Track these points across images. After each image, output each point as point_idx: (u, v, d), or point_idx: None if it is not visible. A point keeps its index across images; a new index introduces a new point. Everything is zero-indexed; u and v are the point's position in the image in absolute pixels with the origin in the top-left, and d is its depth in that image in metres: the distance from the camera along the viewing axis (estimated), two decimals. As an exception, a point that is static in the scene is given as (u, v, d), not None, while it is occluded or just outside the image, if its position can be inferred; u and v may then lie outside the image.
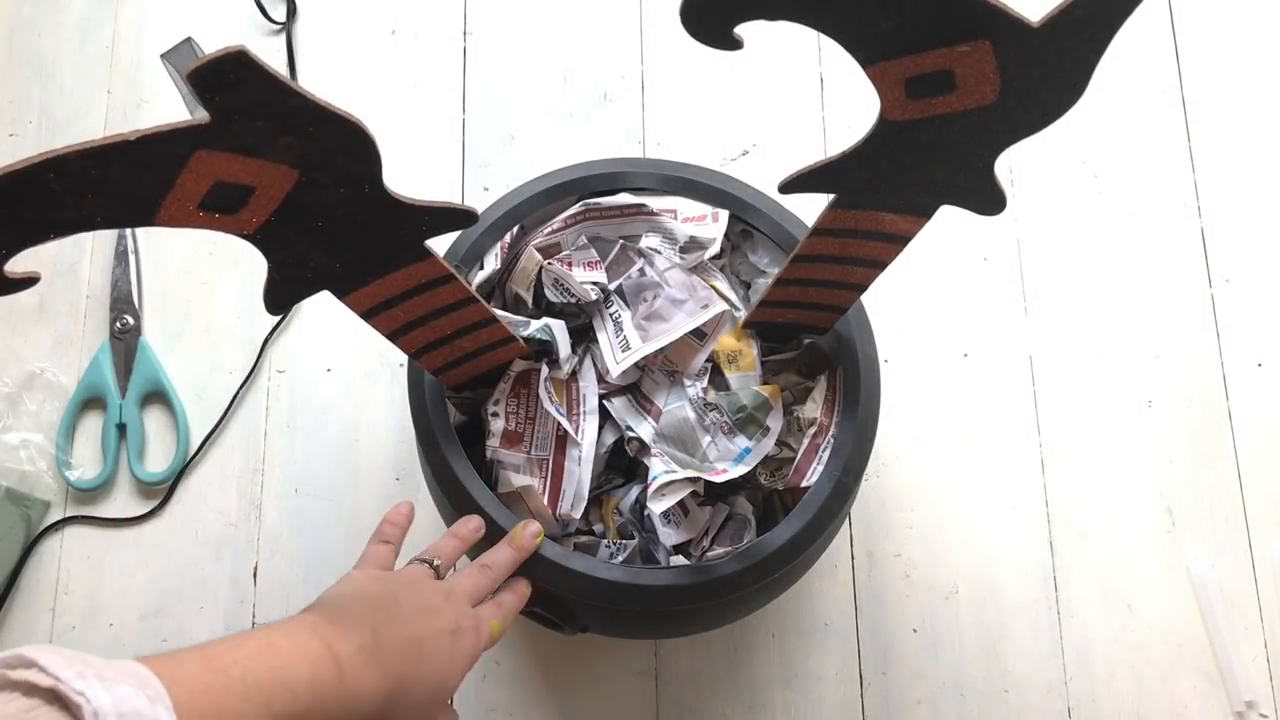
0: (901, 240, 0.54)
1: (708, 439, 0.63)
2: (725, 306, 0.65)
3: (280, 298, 0.50)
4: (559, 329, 0.63)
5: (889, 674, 0.77)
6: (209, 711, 0.37)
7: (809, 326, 0.65)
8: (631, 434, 0.64)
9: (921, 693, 0.77)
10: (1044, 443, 0.82)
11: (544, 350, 0.64)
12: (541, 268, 0.65)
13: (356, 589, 0.51)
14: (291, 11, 0.91)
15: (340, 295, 0.52)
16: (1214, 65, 0.90)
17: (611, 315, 0.65)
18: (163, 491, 0.81)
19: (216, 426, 0.82)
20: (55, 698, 0.32)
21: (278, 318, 0.84)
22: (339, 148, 0.43)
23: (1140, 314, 0.85)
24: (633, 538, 0.64)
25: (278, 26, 0.91)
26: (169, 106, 0.88)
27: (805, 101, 0.90)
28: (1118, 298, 0.85)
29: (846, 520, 0.78)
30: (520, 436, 0.63)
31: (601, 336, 0.65)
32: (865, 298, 0.62)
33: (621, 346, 0.64)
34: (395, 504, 0.61)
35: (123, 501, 0.81)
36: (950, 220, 0.54)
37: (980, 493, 0.81)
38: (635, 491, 0.65)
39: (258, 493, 0.81)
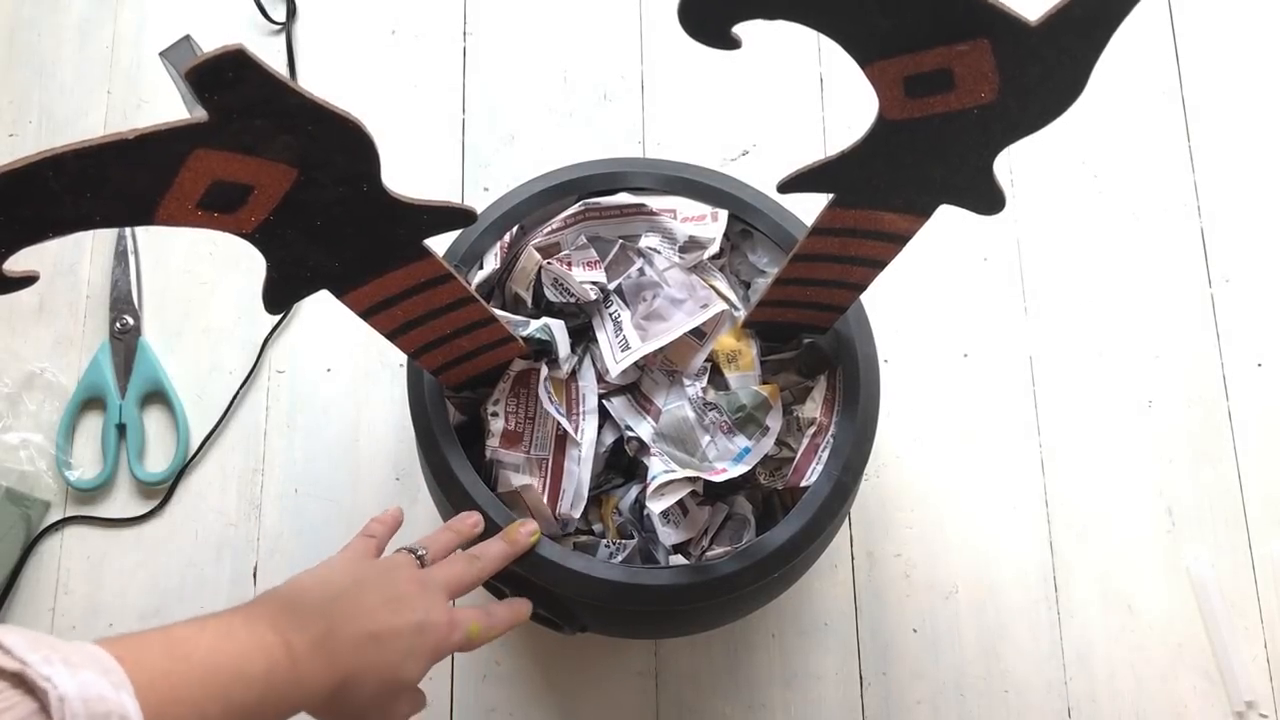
0: (900, 239, 0.54)
1: (707, 438, 0.63)
2: (724, 306, 0.65)
3: (279, 297, 0.50)
4: (558, 329, 0.63)
5: (889, 674, 0.77)
6: (168, 700, 0.37)
7: (808, 326, 0.65)
8: (631, 434, 0.64)
9: (921, 693, 0.77)
10: (1044, 443, 0.82)
11: (543, 350, 0.64)
12: (541, 267, 0.65)
13: (322, 577, 0.51)
14: (291, 11, 0.91)
15: (339, 294, 0.52)
16: (1214, 65, 0.90)
17: (611, 315, 0.65)
18: (163, 491, 0.81)
19: (216, 426, 0.82)
20: (20, 681, 0.33)
21: (278, 318, 0.85)
22: (338, 147, 0.43)
23: (1140, 314, 0.85)
24: (632, 537, 0.64)
25: (278, 26, 0.91)
26: (169, 106, 0.88)
27: (805, 101, 0.90)
28: (1118, 298, 0.85)
29: (846, 520, 0.78)
30: (520, 436, 0.63)
31: (601, 336, 0.65)
32: (865, 297, 0.62)
33: (621, 346, 0.64)
34: (388, 508, 0.61)
35: (123, 501, 0.81)
36: (950, 220, 0.54)
37: (980, 493, 0.81)
38: (635, 491, 0.65)
39: (258, 493, 0.81)
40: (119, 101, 0.90)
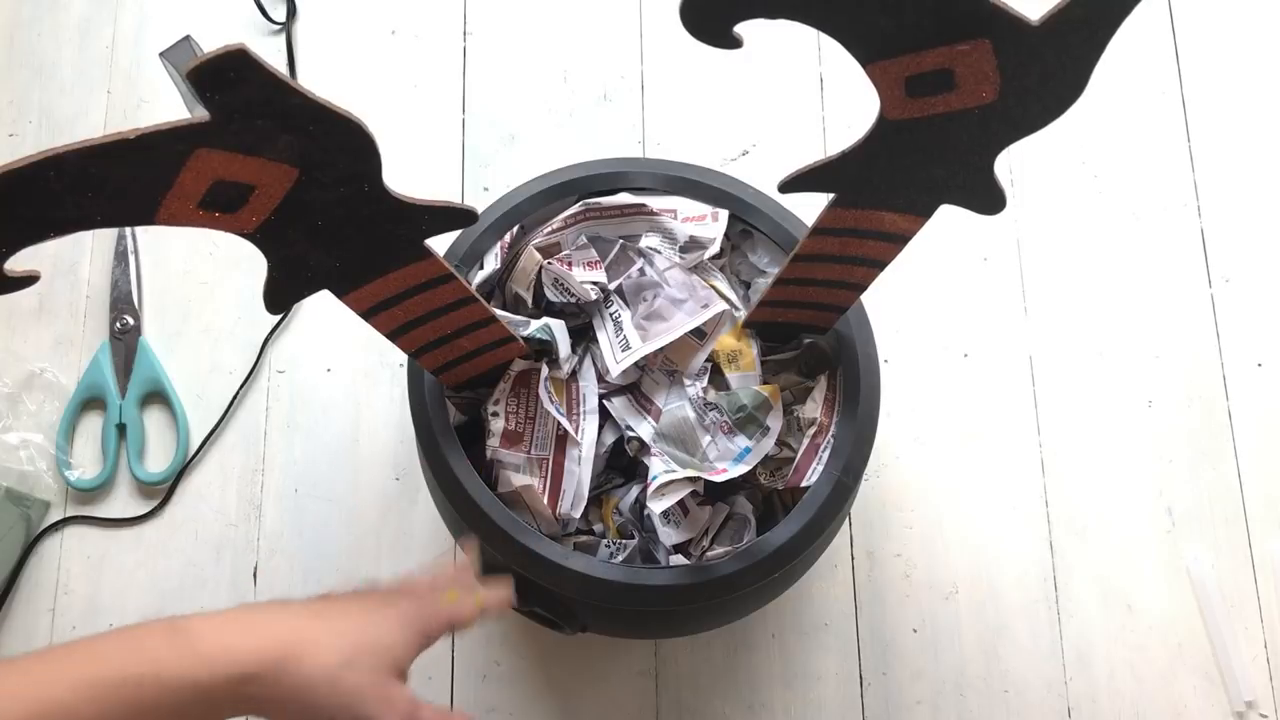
0: (901, 239, 0.54)
1: (707, 438, 0.63)
2: (725, 306, 0.65)
3: (280, 297, 0.50)
4: (559, 329, 0.63)
5: (889, 674, 0.77)
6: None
7: (809, 326, 0.65)
8: (631, 434, 0.64)
9: (921, 693, 0.77)
10: (1044, 443, 0.82)
11: (544, 350, 0.64)
12: (541, 267, 0.65)
13: None
14: (291, 11, 0.91)
15: (340, 294, 0.52)
16: (1214, 65, 0.90)
17: (611, 315, 0.65)
18: (163, 491, 0.81)
19: (216, 426, 0.82)
20: None
21: (278, 318, 0.84)
22: (339, 146, 0.43)
23: (1140, 314, 0.85)
24: (633, 537, 0.64)
25: (278, 26, 0.91)
26: (169, 106, 0.88)
27: (805, 101, 0.90)
28: (1118, 298, 0.85)
29: (846, 520, 0.78)
30: (520, 436, 0.63)
31: (601, 336, 0.65)
32: (865, 298, 0.62)
33: (621, 346, 0.64)
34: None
35: (123, 501, 0.81)
36: (950, 220, 0.54)
37: (980, 493, 0.81)
38: (635, 491, 0.65)
39: (258, 493, 0.81)
40: (119, 101, 0.90)
